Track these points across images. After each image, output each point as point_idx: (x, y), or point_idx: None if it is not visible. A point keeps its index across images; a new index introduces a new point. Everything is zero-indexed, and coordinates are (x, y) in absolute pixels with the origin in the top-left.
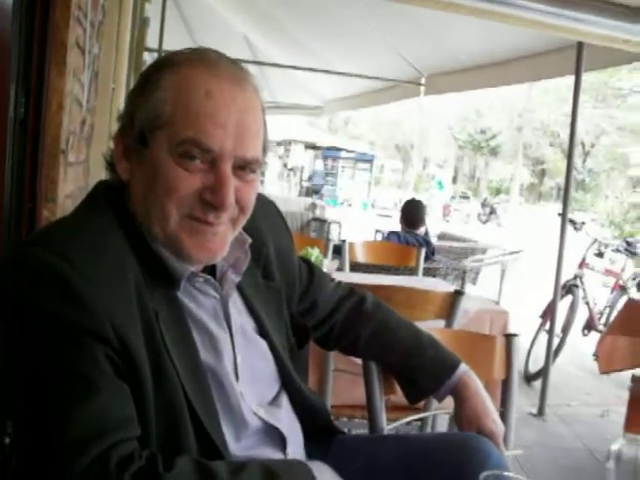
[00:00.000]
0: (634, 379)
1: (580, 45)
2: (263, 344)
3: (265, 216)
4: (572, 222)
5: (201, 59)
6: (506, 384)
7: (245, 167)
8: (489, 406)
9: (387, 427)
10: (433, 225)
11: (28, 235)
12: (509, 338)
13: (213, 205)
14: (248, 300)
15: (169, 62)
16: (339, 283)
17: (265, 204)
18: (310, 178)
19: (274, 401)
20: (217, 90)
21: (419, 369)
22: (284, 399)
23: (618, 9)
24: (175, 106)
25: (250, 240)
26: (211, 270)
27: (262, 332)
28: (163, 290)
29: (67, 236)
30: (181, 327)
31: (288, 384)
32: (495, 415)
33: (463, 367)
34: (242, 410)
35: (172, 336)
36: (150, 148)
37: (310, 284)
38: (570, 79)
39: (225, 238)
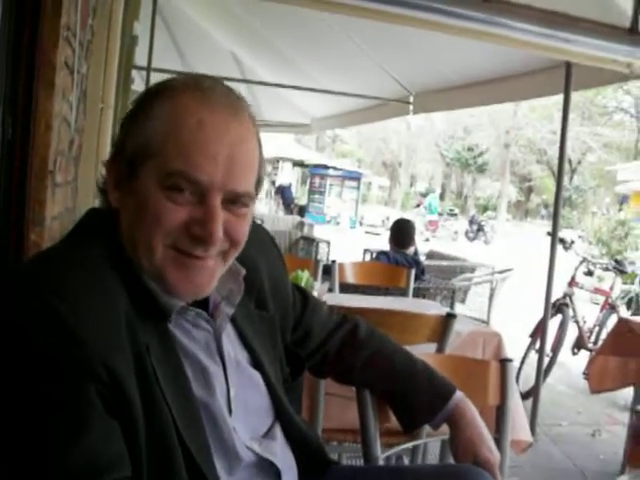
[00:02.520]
0: (636, 412)
1: (569, 65)
2: (257, 376)
3: (258, 244)
4: (562, 241)
5: (195, 86)
6: (501, 410)
7: (236, 201)
8: (485, 434)
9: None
10: (419, 243)
11: (16, 265)
12: (504, 363)
13: (201, 239)
14: (241, 331)
15: (162, 89)
16: (332, 310)
17: (258, 232)
18: (281, 192)
19: (268, 433)
20: (209, 120)
21: (414, 398)
22: (278, 431)
23: (606, 30)
24: (166, 136)
25: (244, 272)
26: (204, 302)
27: (256, 364)
28: (154, 323)
29: (58, 270)
30: (172, 361)
31: (282, 416)
32: (491, 443)
33: (458, 395)
34: (235, 444)
35: (163, 370)
36: (139, 178)
37: (304, 313)
38: (556, 97)
39: (214, 273)
